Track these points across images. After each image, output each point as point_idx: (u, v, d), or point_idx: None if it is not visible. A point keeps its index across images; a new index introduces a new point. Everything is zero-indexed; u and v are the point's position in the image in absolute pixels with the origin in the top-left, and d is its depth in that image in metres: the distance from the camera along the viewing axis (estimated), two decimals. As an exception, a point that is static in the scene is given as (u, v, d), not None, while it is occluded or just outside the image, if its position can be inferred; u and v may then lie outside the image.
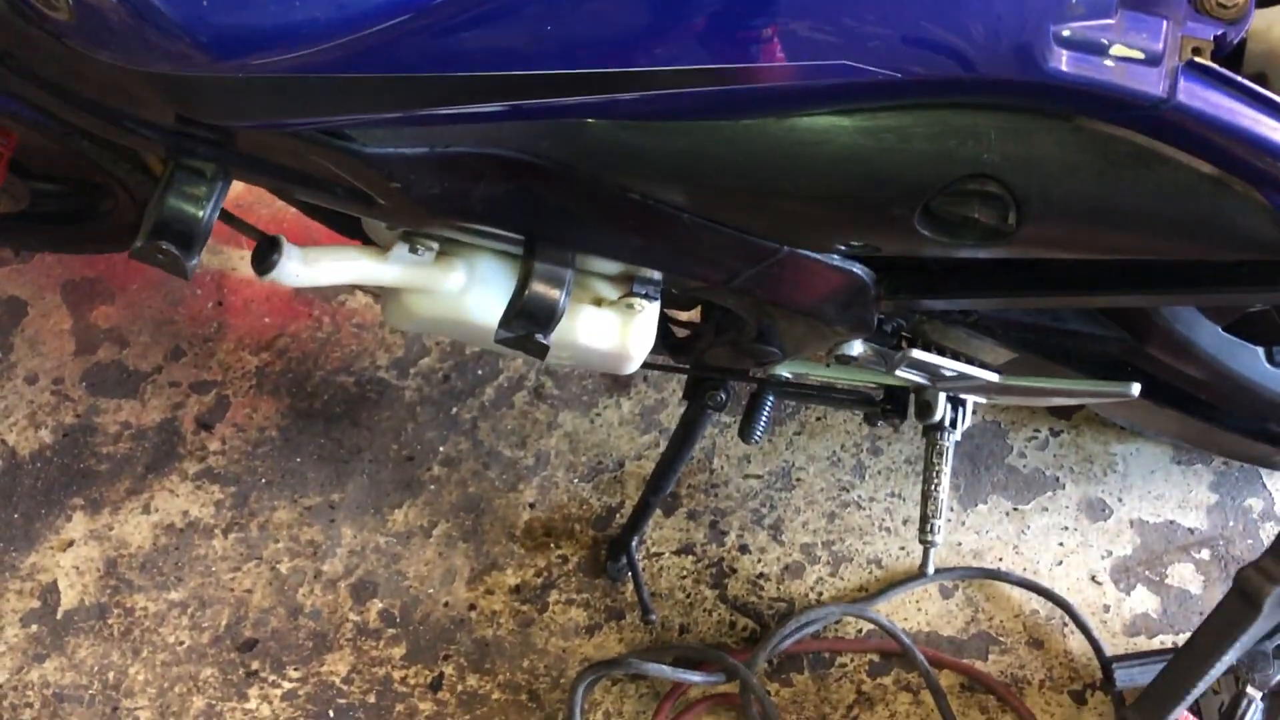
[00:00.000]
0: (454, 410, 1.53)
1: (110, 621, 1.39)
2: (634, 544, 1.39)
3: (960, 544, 1.46)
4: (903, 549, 1.45)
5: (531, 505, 1.47)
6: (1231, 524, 1.47)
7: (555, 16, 0.57)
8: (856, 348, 1.06)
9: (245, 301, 1.59)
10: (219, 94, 0.63)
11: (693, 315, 1.25)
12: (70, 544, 1.43)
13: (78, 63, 0.66)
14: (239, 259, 1.61)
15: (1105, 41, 0.64)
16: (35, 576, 1.41)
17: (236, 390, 1.53)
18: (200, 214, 0.80)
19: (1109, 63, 0.65)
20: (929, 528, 1.14)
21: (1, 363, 1.54)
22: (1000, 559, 1.45)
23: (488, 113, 0.66)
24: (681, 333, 1.23)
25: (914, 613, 1.42)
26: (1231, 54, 0.70)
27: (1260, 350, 1.06)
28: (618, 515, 1.47)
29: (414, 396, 1.54)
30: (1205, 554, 1.45)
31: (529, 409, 1.53)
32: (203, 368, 1.55)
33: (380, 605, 1.41)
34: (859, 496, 1.48)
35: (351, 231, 1.09)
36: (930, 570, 1.19)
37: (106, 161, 1.22)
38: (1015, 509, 1.48)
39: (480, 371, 1.55)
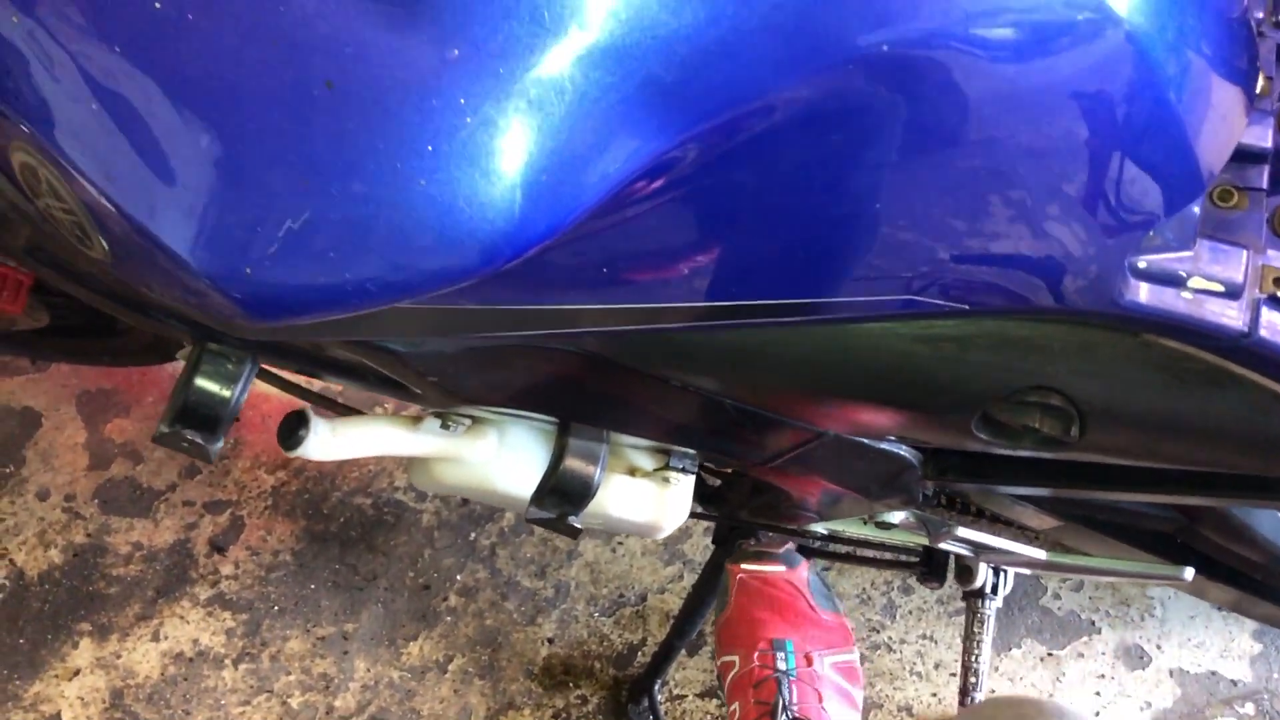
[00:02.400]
0: (472, 536, 1.49)
1: (114, 757, 1.35)
2: (656, 687, 1.35)
3: (994, 691, 1.41)
4: (934, 695, 1.40)
5: (550, 640, 1.43)
6: (1277, 676, 1.41)
7: (611, 259, 0.55)
8: (897, 515, 1.02)
9: (263, 417, 1.56)
10: (254, 329, 0.61)
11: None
12: (76, 673, 1.39)
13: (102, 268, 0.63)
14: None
15: (1184, 274, 0.62)
16: (39, 707, 1.37)
17: (251, 510, 1.50)
18: (229, 396, 0.77)
19: (1187, 295, 0.62)
20: (969, 700, 1.09)
21: (13, 477, 1.51)
22: (1035, 708, 1.40)
23: (533, 336, 0.63)
24: (713, 482, 1.19)
25: (946, 765, 1.37)
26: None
27: (1319, 534, 1.02)
28: (640, 653, 1.42)
29: (432, 520, 1.50)
30: (1250, 709, 1.40)
31: (549, 537, 1.49)
32: (217, 486, 1.51)
33: (393, 745, 1.36)
34: (889, 638, 1.44)
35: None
36: (970, 744, 1.14)
37: (129, 320, 1.21)
38: (1050, 654, 1.43)
39: (500, 495, 1.51)
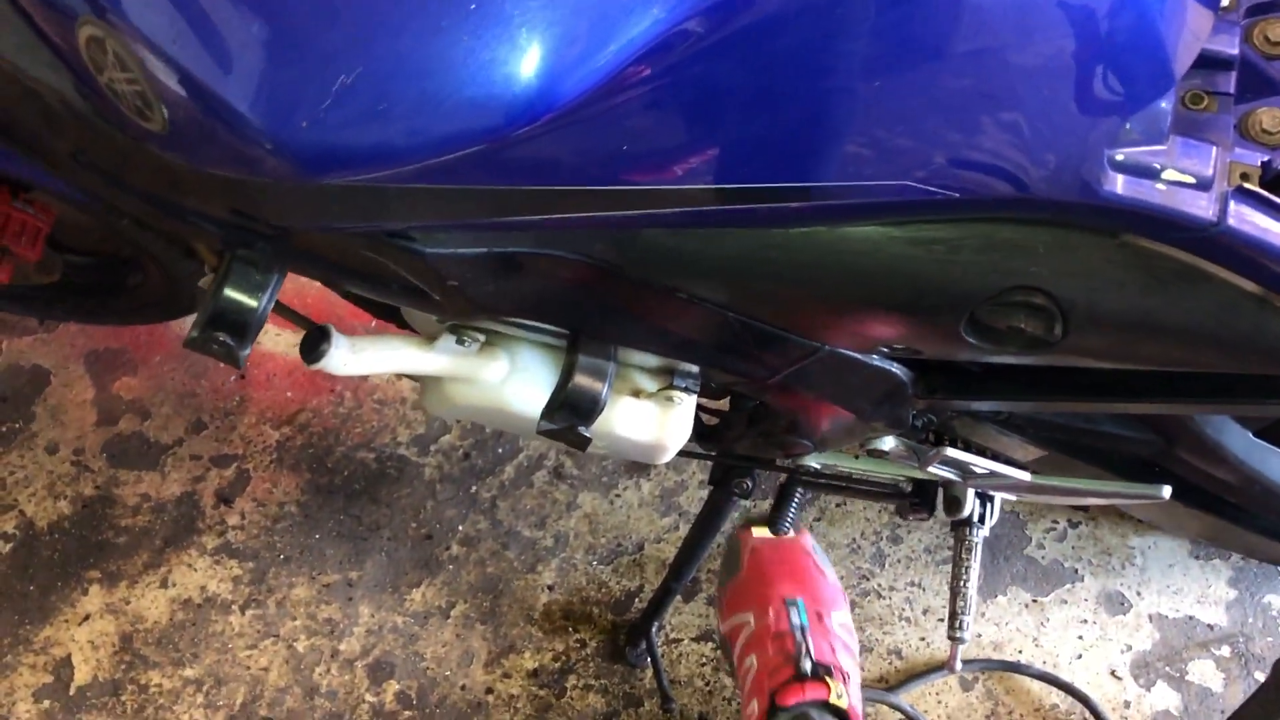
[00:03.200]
0: (474, 488, 1.53)
1: (124, 699, 1.38)
2: (654, 630, 1.39)
3: (980, 635, 1.45)
4: (923, 639, 1.45)
5: (550, 587, 1.47)
6: (1251, 620, 1.46)
7: (625, 138, 0.59)
8: (888, 442, 1.07)
9: (268, 375, 1.60)
10: (290, 200, 0.65)
11: (721, 404, 1.26)
12: (86, 618, 1.42)
13: (146, 159, 0.67)
14: (262, 333, 1.61)
15: (1158, 166, 0.66)
16: (49, 650, 1.40)
17: (257, 465, 1.53)
18: (256, 305, 0.80)
19: (1161, 186, 0.66)
20: (958, 624, 1.14)
21: (23, 432, 1.54)
22: (1020, 651, 1.44)
23: (554, 220, 0.67)
24: (710, 420, 1.23)
25: (934, 705, 1.41)
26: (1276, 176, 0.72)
27: (1291, 455, 1.07)
28: (637, 599, 1.46)
29: (434, 474, 1.54)
30: (1225, 650, 1.45)
31: (548, 489, 1.53)
32: (224, 441, 1.55)
33: (397, 687, 1.40)
34: (879, 585, 1.48)
35: (388, 316, 1.10)
36: (958, 666, 1.18)
37: (144, 240, 1.24)
38: (1034, 601, 1.48)
39: (500, 450, 1.55)
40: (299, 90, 0.50)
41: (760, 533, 1.27)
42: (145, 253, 1.30)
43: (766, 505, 1.45)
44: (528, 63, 0.49)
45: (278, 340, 1.62)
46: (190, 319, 1.60)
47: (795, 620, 1.18)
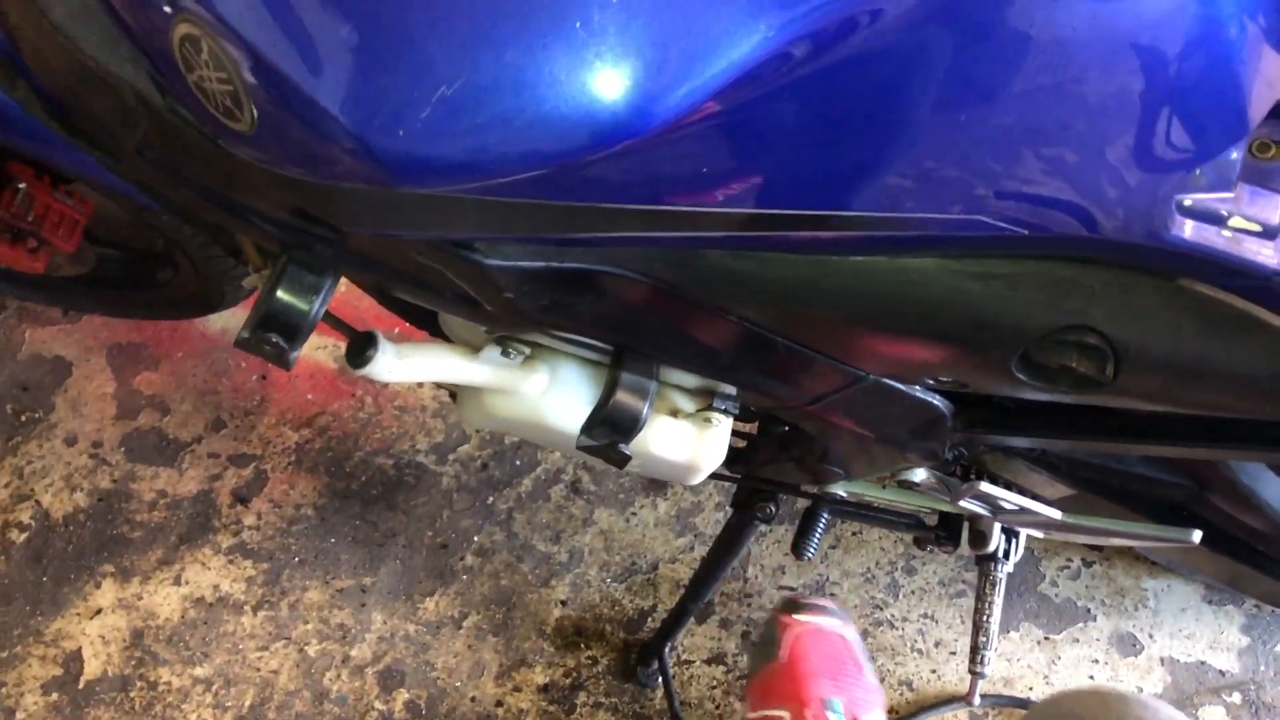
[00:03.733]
0: (490, 499, 1.53)
1: (132, 695, 1.37)
2: (667, 650, 1.39)
3: (992, 670, 1.45)
4: (934, 672, 1.45)
5: (563, 603, 1.46)
6: (1263, 668, 1.46)
7: (710, 160, 0.59)
8: (920, 474, 1.07)
9: (289, 377, 1.59)
10: (361, 204, 0.65)
11: (750, 427, 1.26)
12: (98, 611, 1.42)
13: (216, 158, 0.67)
14: (287, 334, 1.61)
15: (1225, 213, 0.67)
16: (59, 643, 1.40)
17: (275, 465, 1.53)
18: (309, 308, 0.80)
19: (1227, 233, 0.67)
20: (980, 658, 1.14)
21: (42, 422, 1.54)
22: (1031, 688, 1.44)
23: (623, 238, 0.68)
24: (738, 443, 1.23)
25: (944, 738, 1.41)
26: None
27: (1324, 505, 1.07)
28: (649, 619, 1.46)
29: (451, 483, 1.54)
30: (1236, 698, 1.45)
31: (565, 503, 1.53)
32: (243, 440, 1.55)
33: (407, 695, 1.39)
34: (892, 616, 1.48)
35: (425, 324, 1.10)
36: (977, 700, 1.18)
37: (183, 236, 1.25)
38: (1047, 638, 1.48)
39: (518, 462, 1.55)
40: (398, 98, 0.50)
41: (806, 618, 1.22)
42: (180, 249, 1.31)
43: (783, 532, 1.45)
44: (627, 85, 0.50)
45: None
46: (215, 317, 1.61)
47: None
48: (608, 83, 0.49)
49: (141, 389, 1.58)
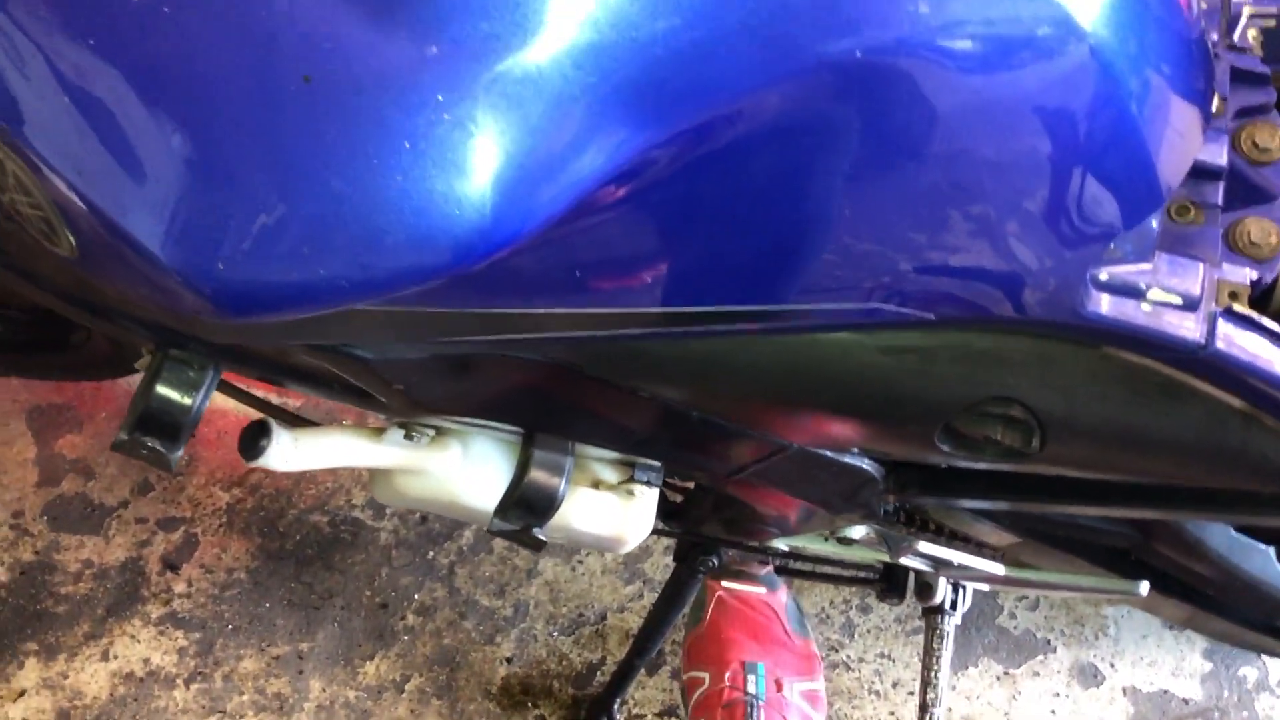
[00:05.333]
0: (431, 554, 1.48)
1: (59, 780, 1.32)
2: (616, 707, 1.34)
3: (951, 709, 1.41)
4: (892, 714, 1.41)
5: (509, 660, 1.42)
6: (1226, 694, 1.43)
7: (582, 263, 0.55)
8: (859, 530, 1.03)
9: (219, 433, 1.54)
10: (220, 325, 0.60)
11: (689, 481, 1.21)
12: (21, 694, 1.36)
13: (68, 264, 0.63)
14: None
15: (1143, 286, 0.63)
16: (-18, 728, 1.34)
17: (206, 528, 1.48)
18: (191, 403, 0.75)
19: (1146, 307, 0.63)
20: (929, 716, 1.10)
21: (-41, 493, 1.48)
22: (992, 727, 1.41)
23: (504, 341, 0.63)
24: (676, 498, 1.19)
25: (904, 784, 1.37)
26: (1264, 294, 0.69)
27: (1272, 550, 1.04)
28: (599, 672, 1.41)
29: (390, 539, 1.49)
30: (1200, 727, 1.42)
31: (509, 555, 1.48)
32: (171, 503, 1.49)
33: (348, 766, 1.34)
34: (848, 657, 1.44)
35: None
36: (929, 759, 1.15)
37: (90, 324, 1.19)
38: (1006, 673, 1.44)
39: (460, 513, 1.50)
40: (215, 230, 0.45)
41: (731, 584, 1.21)
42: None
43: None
44: (468, 204, 0.45)
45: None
46: (138, 375, 1.55)
47: (751, 688, 1.13)
48: (444, 204, 0.45)
49: (64, 453, 1.52)
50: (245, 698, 1.37)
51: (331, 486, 1.51)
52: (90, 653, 1.39)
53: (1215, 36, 0.71)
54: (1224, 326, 0.63)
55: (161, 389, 0.75)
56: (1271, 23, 0.73)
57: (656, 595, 1.34)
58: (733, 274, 0.58)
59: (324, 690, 1.38)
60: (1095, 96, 0.56)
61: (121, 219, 0.46)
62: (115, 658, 1.39)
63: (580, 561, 1.48)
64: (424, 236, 0.45)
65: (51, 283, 0.71)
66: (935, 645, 1.09)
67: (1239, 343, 0.64)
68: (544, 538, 0.87)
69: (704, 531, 1.13)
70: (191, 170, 0.45)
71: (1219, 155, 0.67)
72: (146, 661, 1.39)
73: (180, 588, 1.43)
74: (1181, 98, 0.61)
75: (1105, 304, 0.63)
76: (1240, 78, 0.71)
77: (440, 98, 0.44)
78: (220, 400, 1.56)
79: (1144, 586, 0.93)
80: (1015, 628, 1.47)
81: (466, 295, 0.57)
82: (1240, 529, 1.01)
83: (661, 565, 1.48)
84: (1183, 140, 0.62)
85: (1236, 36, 0.71)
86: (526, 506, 0.87)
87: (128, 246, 0.47)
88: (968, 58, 0.52)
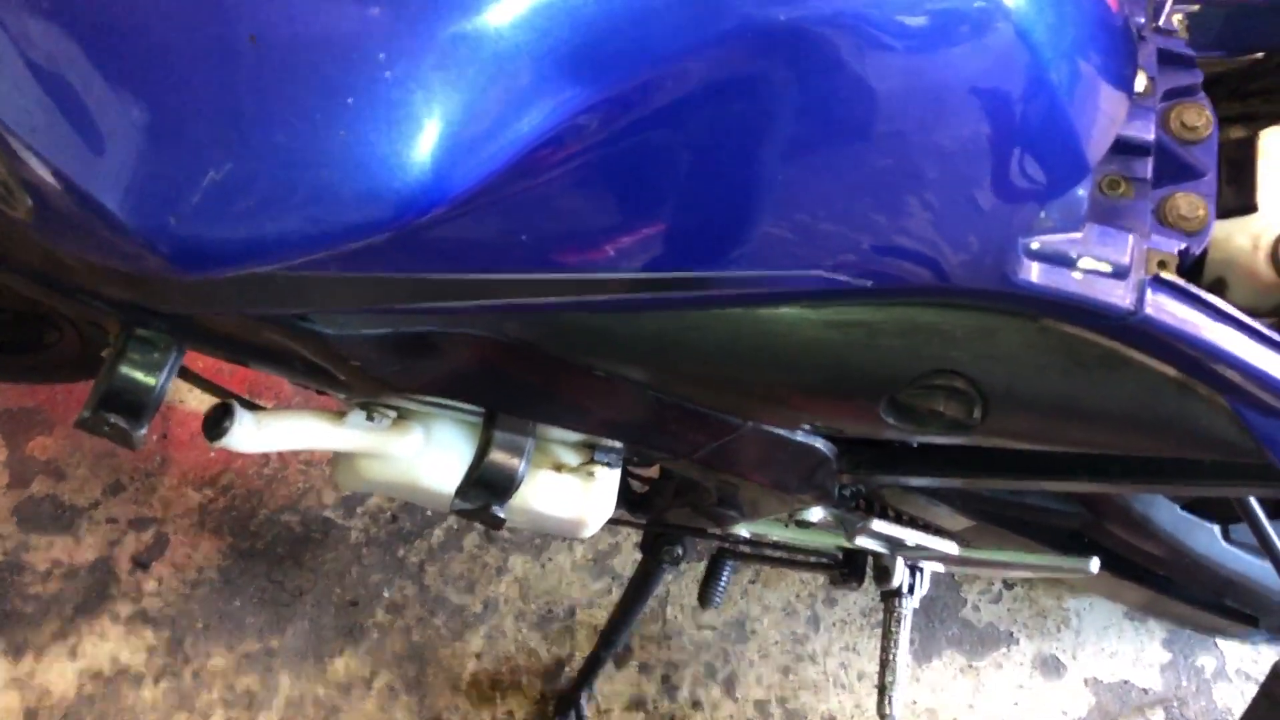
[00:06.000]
0: (401, 552, 1.49)
1: (27, 778, 1.32)
2: (583, 699, 1.35)
3: (915, 701, 1.43)
4: (857, 706, 1.42)
5: (478, 655, 1.43)
6: (1185, 683, 1.46)
7: (528, 227, 0.57)
8: (816, 513, 1.05)
9: (190, 435, 1.55)
10: (178, 290, 0.62)
11: (651, 471, 1.23)
12: (-11, 692, 1.36)
13: (30, 238, 0.64)
14: (185, 391, 1.57)
15: (1074, 254, 0.65)
16: (-51, 727, 1.34)
17: (177, 528, 1.48)
18: (154, 383, 0.77)
19: (1077, 275, 0.65)
20: (887, 699, 1.12)
21: (-71, 495, 1.48)
22: (956, 718, 1.42)
23: (456, 308, 0.65)
24: (639, 488, 1.21)
25: (869, 774, 1.38)
26: (1194, 261, 0.71)
27: (1216, 528, 1.06)
28: (567, 667, 1.42)
29: (360, 537, 1.50)
30: (1160, 715, 1.44)
31: (478, 552, 1.49)
32: (143, 503, 1.50)
33: (317, 762, 1.35)
34: (813, 650, 1.46)
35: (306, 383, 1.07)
36: (890, 743, 1.16)
37: (55, 303, 1.20)
38: (970, 665, 1.46)
39: (429, 512, 1.52)
40: (166, 186, 0.47)
41: None
42: (57, 312, 1.26)
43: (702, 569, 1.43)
44: (411, 157, 0.47)
45: (202, 398, 1.57)
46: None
47: None
48: (387, 158, 0.47)
49: (35, 455, 1.52)
50: (214, 695, 1.38)
51: (303, 487, 1.52)
52: (58, 651, 1.39)
53: (1142, 20, 0.74)
54: (1153, 294, 0.66)
55: (124, 368, 0.77)
56: (1196, 7, 0.76)
57: (624, 590, 1.36)
58: (676, 239, 0.60)
59: (293, 686, 1.39)
60: (1019, 69, 0.58)
61: (74, 175, 0.48)
62: (83, 656, 1.39)
63: (550, 558, 1.49)
64: (368, 191, 0.47)
65: (17, 261, 0.72)
66: (893, 628, 1.11)
67: (1168, 309, 0.66)
68: (503, 516, 0.88)
69: (668, 519, 1.14)
70: (141, 128, 0.47)
71: (1147, 131, 0.69)
72: (115, 659, 1.39)
73: (150, 586, 1.44)
74: (1100, 72, 0.63)
75: (1036, 272, 0.65)
76: (1167, 59, 0.74)
77: (381, 56, 0.46)
78: (194, 403, 1.58)
79: (1094, 563, 0.95)
80: (979, 620, 1.49)
81: (418, 259, 0.59)
82: (1186, 506, 1.04)
83: (630, 561, 1.49)
84: (1104, 111, 0.64)
85: (1162, 20, 0.74)
86: (486, 486, 0.88)
87: (81, 204, 0.48)
88: (896, 29, 0.54)
